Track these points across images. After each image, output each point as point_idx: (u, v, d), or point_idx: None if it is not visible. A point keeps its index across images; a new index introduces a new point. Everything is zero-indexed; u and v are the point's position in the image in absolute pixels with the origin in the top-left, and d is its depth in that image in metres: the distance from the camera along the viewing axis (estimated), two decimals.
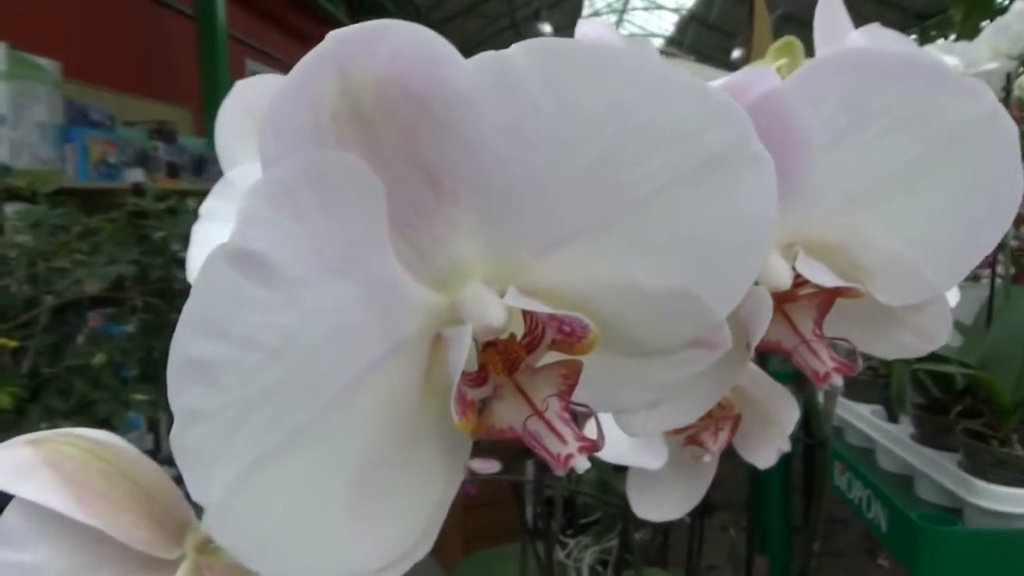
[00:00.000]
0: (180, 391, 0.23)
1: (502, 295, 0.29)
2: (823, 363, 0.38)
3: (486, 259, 0.29)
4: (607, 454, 0.59)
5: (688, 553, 1.19)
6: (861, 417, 1.37)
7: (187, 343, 0.23)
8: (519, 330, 0.31)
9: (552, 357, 0.31)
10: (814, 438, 0.62)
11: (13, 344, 1.34)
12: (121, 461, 0.35)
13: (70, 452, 0.34)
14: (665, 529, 1.33)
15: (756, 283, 0.37)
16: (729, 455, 0.57)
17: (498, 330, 0.28)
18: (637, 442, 0.57)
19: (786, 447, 0.51)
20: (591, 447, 0.29)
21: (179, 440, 0.23)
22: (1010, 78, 1.22)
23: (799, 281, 0.38)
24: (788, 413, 0.50)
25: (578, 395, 0.31)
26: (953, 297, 0.44)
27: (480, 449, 1.16)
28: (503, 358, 0.30)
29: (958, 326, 1.27)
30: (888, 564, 1.75)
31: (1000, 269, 1.26)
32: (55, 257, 1.43)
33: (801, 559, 0.65)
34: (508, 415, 0.30)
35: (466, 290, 0.29)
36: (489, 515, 1.82)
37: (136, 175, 3.14)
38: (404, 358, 0.29)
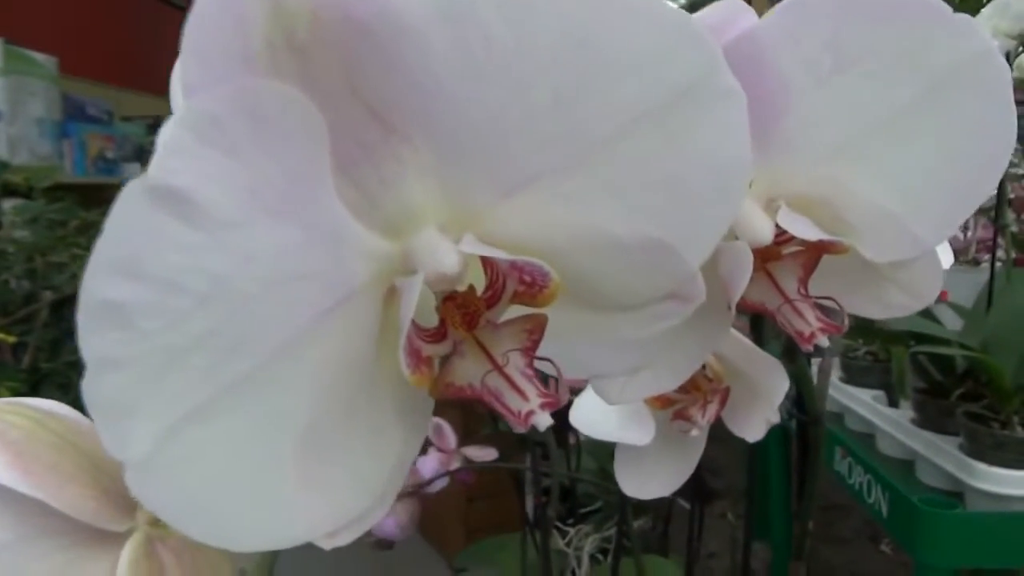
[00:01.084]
0: (92, 337, 0.21)
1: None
2: (808, 323, 0.35)
3: (441, 204, 0.27)
4: (596, 431, 0.57)
5: (688, 540, 1.17)
6: (861, 402, 1.34)
7: (100, 284, 0.21)
8: (481, 284, 0.29)
9: (517, 312, 0.29)
10: (807, 415, 0.59)
11: (12, 339, 1.33)
12: (70, 432, 0.33)
13: (16, 422, 0.32)
14: (666, 517, 1.31)
15: (736, 238, 0.35)
16: (728, 441, 0.55)
17: (452, 278, 0.26)
18: (625, 418, 0.55)
19: (775, 418, 0.48)
20: (554, 402, 0.27)
21: (92, 390, 0.21)
22: (1009, 58, 1.19)
23: (782, 238, 0.36)
24: (776, 384, 0.48)
25: (549, 355, 0.29)
26: (946, 256, 0.42)
27: (477, 437, 1.15)
28: (462, 312, 0.28)
29: (958, 309, 1.25)
30: (890, 550, 1.72)
31: (1000, 253, 1.24)
32: (53, 252, 1.41)
33: (796, 540, 0.63)
34: (468, 372, 0.28)
35: (418, 236, 0.27)
36: (492, 507, 1.80)
37: (134, 170, 3.12)
38: (356, 310, 0.27)
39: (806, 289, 0.36)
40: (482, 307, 0.28)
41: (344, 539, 0.27)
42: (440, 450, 1.07)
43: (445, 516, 1.90)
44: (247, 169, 0.23)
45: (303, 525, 0.26)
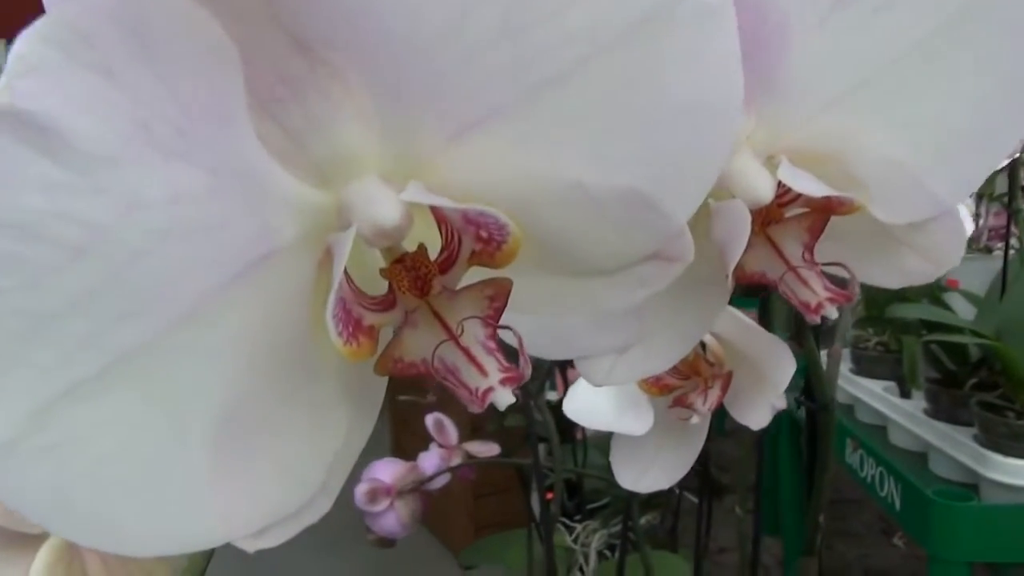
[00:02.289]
0: None
1: None
2: (814, 292, 0.31)
3: (381, 151, 0.23)
4: (591, 420, 0.53)
5: (696, 535, 1.12)
6: (873, 394, 1.29)
7: None
8: (436, 247, 0.24)
9: (478, 277, 0.24)
10: (816, 402, 0.55)
11: None
12: None
13: None
14: (674, 512, 1.27)
15: (732, 197, 0.30)
16: (737, 434, 0.51)
17: (391, 231, 0.22)
18: (622, 406, 0.50)
19: (780, 404, 0.44)
20: (516, 377, 0.22)
21: None
22: None
23: (785, 198, 0.31)
24: (782, 366, 0.43)
25: (529, 340, 0.24)
26: (967, 221, 0.37)
27: (483, 433, 1.10)
28: (412, 276, 0.24)
29: (971, 298, 1.20)
30: (903, 544, 1.66)
31: (1014, 240, 1.18)
32: None
33: (808, 535, 0.58)
34: (420, 345, 0.24)
35: (353, 184, 0.22)
36: (500, 503, 1.77)
37: None
38: (284, 273, 0.22)
39: (812, 255, 0.32)
40: (435, 270, 0.24)
41: (274, 539, 0.23)
42: (441, 446, 1.03)
43: (452, 511, 1.86)
44: (129, 97, 0.18)
45: (219, 524, 0.22)
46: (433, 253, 0.24)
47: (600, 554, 1.26)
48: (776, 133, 0.30)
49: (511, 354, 0.24)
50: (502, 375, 0.22)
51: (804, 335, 0.51)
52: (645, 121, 0.23)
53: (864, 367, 1.34)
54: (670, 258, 0.25)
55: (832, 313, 0.31)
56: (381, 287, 0.24)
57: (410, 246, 0.24)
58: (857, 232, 0.32)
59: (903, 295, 1.17)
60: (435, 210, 0.23)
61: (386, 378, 0.25)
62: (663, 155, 0.23)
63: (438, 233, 0.24)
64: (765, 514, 1.04)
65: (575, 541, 1.27)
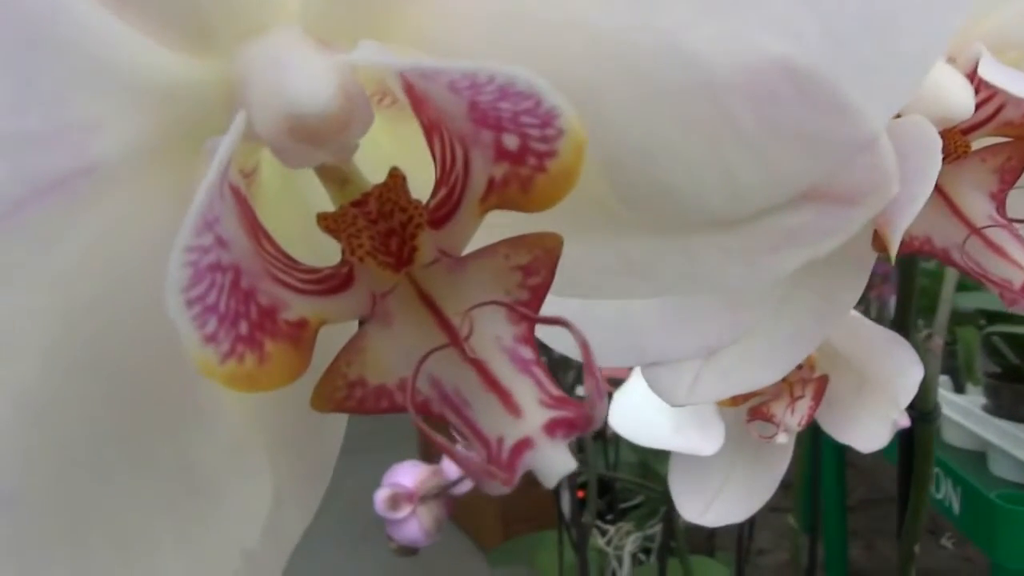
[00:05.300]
0: None
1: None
2: (1018, 265, 0.19)
3: None
4: (646, 437, 0.41)
5: (738, 538, 1.01)
6: None
7: None
8: (423, 184, 0.13)
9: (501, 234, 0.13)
10: (915, 409, 0.43)
11: None
12: None
13: None
14: None
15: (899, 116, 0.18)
16: None
17: (317, 118, 0.11)
18: (683, 419, 0.39)
19: (904, 421, 0.32)
20: (575, 422, 0.11)
21: None
22: None
23: (967, 125, 0.20)
24: (905, 370, 0.31)
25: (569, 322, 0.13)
26: None
27: None
28: (380, 230, 0.12)
29: None
30: (952, 544, 1.53)
31: None
32: None
33: (901, 563, 0.47)
34: (397, 357, 0.12)
35: (254, 42, 0.11)
36: (529, 500, 1.66)
37: None
38: (126, 211, 0.11)
39: (1004, 210, 0.20)
40: (423, 219, 0.12)
41: None
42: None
43: (481, 507, 1.76)
44: None
45: None
46: (422, 196, 0.13)
47: (634, 557, 1.15)
48: (973, 16, 0.18)
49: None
50: (550, 413, 0.11)
51: (908, 328, 0.39)
52: None
53: None
54: (847, 196, 0.13)
55: None
56: (327, 253, 0.13)
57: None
58: None
59: (960, 283, 1.05)
60: (412, 93, 0.11)
61: (340, 421, 0.14)
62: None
63: (424, 164, 0.13)
64: (804, 510, 0.93)
65: (608, 544, 1.15)
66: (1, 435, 0.11)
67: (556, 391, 0.12)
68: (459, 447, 0.11)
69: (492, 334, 0.12)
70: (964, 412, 1.07)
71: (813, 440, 1.46)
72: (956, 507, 1.01)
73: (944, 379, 1.15)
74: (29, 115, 0.10)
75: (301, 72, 0.11)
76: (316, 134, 0.11)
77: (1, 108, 0.10)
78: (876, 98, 0.13)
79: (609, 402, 0.43)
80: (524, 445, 0.11)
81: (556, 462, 0.11)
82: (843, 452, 1.46)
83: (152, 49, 0.11)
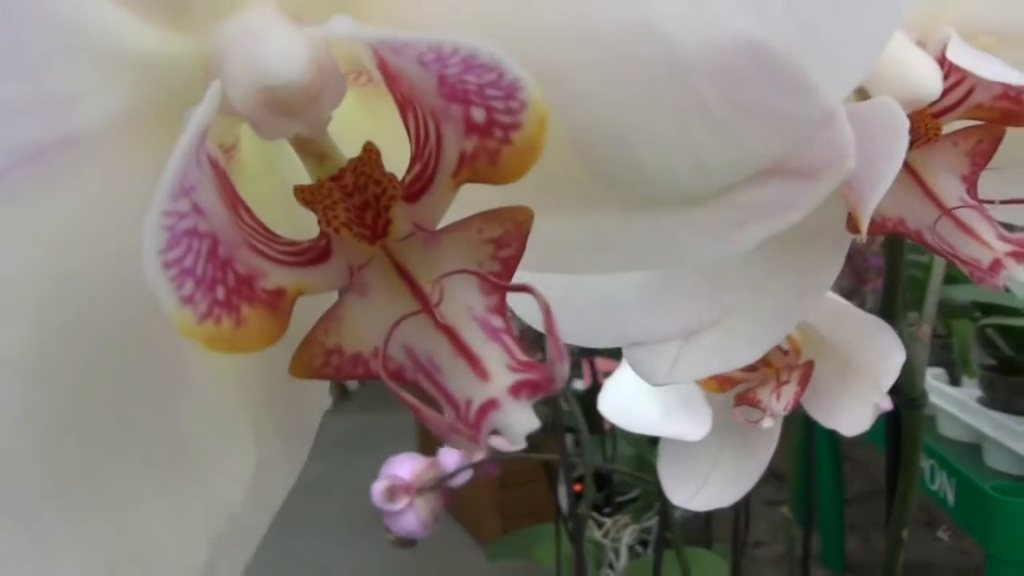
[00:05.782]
0: None
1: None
2: (986, 245, 0.20)
3: None
4: (635, 423, 0.41)
5: (733, 530, 1.02)
6: None
7: None
8: (398, 159, 0.14)
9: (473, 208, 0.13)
10: (901, 396, 0.43)
11: None
12: None
13: None
14: None
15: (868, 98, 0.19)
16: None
17: (289, 89, 0.11)
18: (672, 406, 0.39)
19: (886, 404, 0.33)
20: (540, 381, 0.11)
21: None
22: None
23: (941, 104, 0.20)
24: (886, 354, 0.32)
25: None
26: None
27: None
28: (356, 203, 0.13)
29: None
30: (948, 537, 1.53)
31: None
32: None
33: (889, 549, 0.47)
34: (373, 326, 0.13)
35: (230, 19, 0.11)
36: (526, 493, 1.67)
37: None
38: (106, 182, 0.12)
39: (975, 191, 0.21)
40: (396, 192, 0.13)
41: None
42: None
43: (479, 501, 1.77)
44: None
45: None
46: (397, 172, 0.13)
47: (631, 549, 1.15)
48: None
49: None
50: (516, 376, 0.11)
51: (895, 315, 0.39)
52: None
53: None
54: (807, 171, 0.14)
55: (1019, 274, 0.20)
56: (308, 230, 0.13)
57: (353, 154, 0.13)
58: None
59: (952, 276, 1.05)
60: (385, 69, 0.12)
61: (322, 388, 0.14)
62: None
63: (402, 142, 0.13)
64: (798, 503, 0.93)
65: (605, 536, 1.16)
66: None
67: (522, 356, 0.12)
68: (427, 407, 0.12)
69: (464, 303, 0.13)
70: (959, 404, 1.07)
71: (806, 433, 1.46)
72: (952, 499, 1.02)
73: (940, 372, 1.15)
74: (7, 84, 0.10)
75: (274, 44, 0.11)
76: (288, 105, 0.11)
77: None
78: (834, 73, 0.13)
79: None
80: (490, 406, 0.11)
81: (520, 421, 0.11)
82: (838, 445, 1.46)
83: (133, 23, 0.12)
